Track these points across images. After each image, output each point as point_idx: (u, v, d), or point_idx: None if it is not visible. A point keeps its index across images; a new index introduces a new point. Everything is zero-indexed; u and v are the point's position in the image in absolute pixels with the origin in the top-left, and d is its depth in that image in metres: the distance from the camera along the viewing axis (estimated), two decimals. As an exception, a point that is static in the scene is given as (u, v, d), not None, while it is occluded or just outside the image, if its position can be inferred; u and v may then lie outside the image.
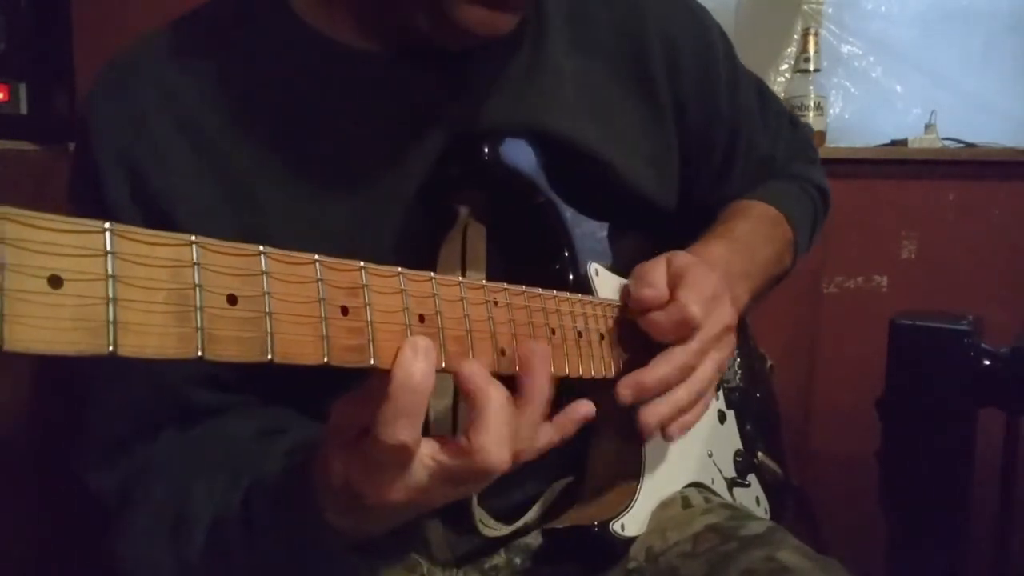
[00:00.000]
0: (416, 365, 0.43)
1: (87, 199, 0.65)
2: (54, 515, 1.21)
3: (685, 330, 0.62)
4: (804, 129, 0.98)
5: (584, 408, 0.55)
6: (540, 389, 0.50)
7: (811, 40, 1.75)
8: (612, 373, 0.63)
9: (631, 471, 0.69)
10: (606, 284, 0.67)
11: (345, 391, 0.68)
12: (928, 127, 1.73)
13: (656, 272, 0.64)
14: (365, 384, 0.45)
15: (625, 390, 0.60)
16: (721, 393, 0.84)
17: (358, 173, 0.67)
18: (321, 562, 0.54)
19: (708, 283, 0.64)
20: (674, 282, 0.63)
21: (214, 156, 0.64)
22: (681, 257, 0.66)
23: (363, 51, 0.67)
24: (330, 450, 0.48)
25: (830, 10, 1.82)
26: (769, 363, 1.00)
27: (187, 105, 0.64)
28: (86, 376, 0.67)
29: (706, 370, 0.64)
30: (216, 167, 0.64)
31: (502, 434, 0.47)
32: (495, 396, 0.47)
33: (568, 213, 0.69)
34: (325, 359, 0.38)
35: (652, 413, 0.62)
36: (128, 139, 0.63)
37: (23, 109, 1.18)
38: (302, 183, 0.65)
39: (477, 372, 0.47)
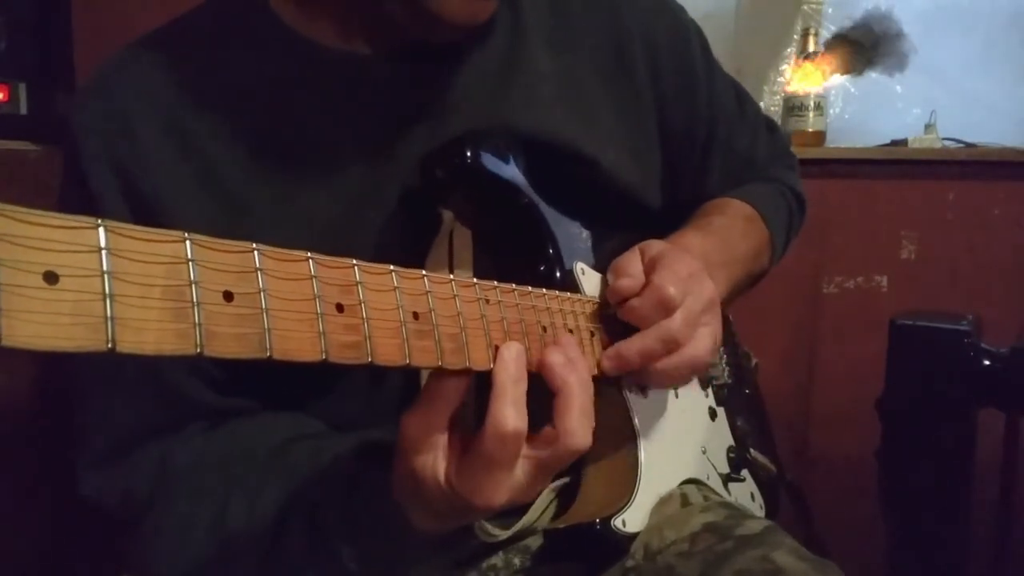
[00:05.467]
0: (513, 360, 0.48)
1: (78, 203, 0.65)
2: (54, 515, 1.21)
3: (664, 311, 0.62)
4: (781, 134, 0.99)
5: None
6: (584, 367, 0.53)
7: (811, 40, 1.75)
8: None
9: (628, 468, 0.69)
10: (592, 283, 0.67)
11: (335, 393, 0.68)
12: (928, 127, 1.73)
13: (631, 262, 0.65)
14: (428, 392, 0.48)
15: (607, 361, 0.62)
16: (711, 390, 0.84)
17: (341, 174, 0.67)
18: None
19: (683, 264, 0.64)
20: (649, 268, 0.64)
21: (199, 159, 0.64)
22: (654, 245, 0.67)
23: (343, 52, 0.67)
24: (415, 465, 0.49)
25: (830, 10, 1.82)
26: (754, 361, 1.00)
27: (171, 109, 0.65)
28: (82, 379, 0.67)
29: (698, 343, 0.64)
30: (201, 170, 0.64)
31: (584, 415, 0.50)
32: (574, 380, 0.50)
33: (552, 214, 0.70)
34: (323, 356, 0.38)
35: (631, 381, 0.65)
36: (114, 142, 0.63)
37: (23, 109, 1.18)
38: (286, 185, 0.66)
39: (558, 361, 0.51)
